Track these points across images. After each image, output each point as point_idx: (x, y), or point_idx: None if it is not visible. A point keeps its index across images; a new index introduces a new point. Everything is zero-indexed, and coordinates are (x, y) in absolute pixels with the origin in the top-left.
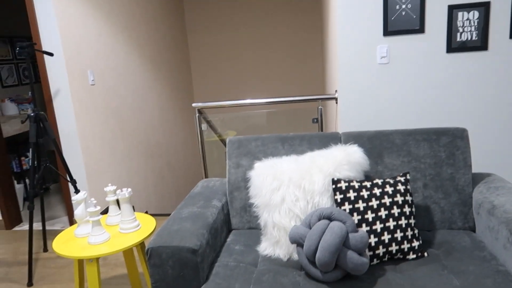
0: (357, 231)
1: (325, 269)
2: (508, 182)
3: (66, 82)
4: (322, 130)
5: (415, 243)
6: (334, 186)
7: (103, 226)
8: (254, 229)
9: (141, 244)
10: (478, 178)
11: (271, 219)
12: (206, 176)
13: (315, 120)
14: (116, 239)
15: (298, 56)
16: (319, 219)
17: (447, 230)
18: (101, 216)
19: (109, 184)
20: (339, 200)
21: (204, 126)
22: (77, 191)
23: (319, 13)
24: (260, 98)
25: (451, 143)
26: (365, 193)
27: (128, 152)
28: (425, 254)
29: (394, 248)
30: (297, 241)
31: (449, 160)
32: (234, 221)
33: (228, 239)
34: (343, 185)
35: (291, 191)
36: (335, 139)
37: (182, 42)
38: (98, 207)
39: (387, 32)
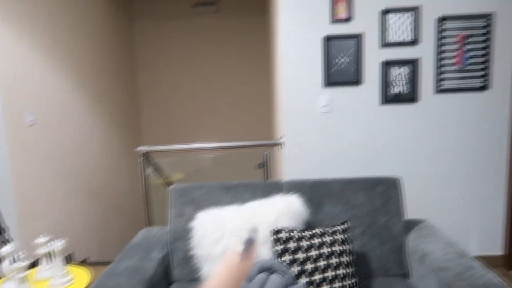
0: (296, 283)
1: None
2: (437, 230)
3: (2, 124)
4: (268, 176)
5: None
6: (274, 237)
7: (30, 282)
8: (196, 281)
9: None
10: (411, 225)
11: (212, 271)
12: (149, 224)
13: (261, 165)
14: None
15: (248, 101)
16: (260, 272)
17: (383, 278)
18: (27, 272)
19: (41, 236)
20: (279, 251)
21: (149, 170)
22: (5, 241)
23: (267, 57)
24: (208, 143)
25: (385, 192)
26: (304, 243)
27: (69, 195)
28: None
29: None
30: None
31: (384, 208)
32: (175, 272)
33: None
34: (283, 235)
35: (232, 243)
36: (277, 187)
37: (131, 81)
38: (26, 262)
39: (327, 83)
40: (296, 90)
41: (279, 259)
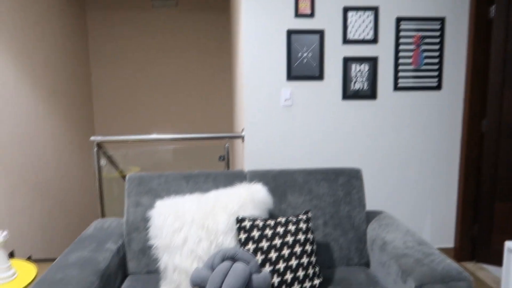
0: (260, 272)
1: None
2: (396, 219)
3: None
4: (228, 168)
5: (316, 281)
6: (238, 225)
7: None
8: (153, 273)
9: None
10: (371, 216)
11: (172, 262)
12: (103, 216)
13: (222, 158)
14: None
15: (207, 94)
16: (223, 260)
17: (345, 267)
18: None
19: None
20: (243, 240)
21: (103, 161)
22: None
23: (228, 52)
24: (167, 134)
25: (347, 182)
26: (268, 232)
27: (11, 189)
28: None
29: (296, 287)
30: (199, 285)
31: (346, 199)
32: (131, 265)
33: (123, 286)
34: (247, 224)
35: (193, 232)
36: (240, 177)
37: (84, 72)
38: None
39: (290, 76)
40: (258, 83)
41: (242, 248)
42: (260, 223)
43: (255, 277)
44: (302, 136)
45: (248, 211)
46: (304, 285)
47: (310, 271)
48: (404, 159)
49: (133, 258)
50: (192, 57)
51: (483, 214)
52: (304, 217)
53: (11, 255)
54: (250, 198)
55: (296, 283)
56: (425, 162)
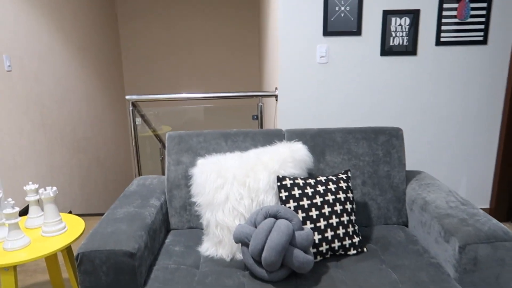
0: (302, 229)
1: (271, 268)
2: (436, 180)
3: None
4: (262, 127)
5: (356, 239)
6: (279, 184)
7: (22, 229)
8: (194, 229)
9: (68, 249)
10: (410, 176)
11: (214, 218)
12: (139, 174)
13: (255, 117)
14: (38, 244)
15: (235, 52)
16: (265, 218)
17: (383, 226)
18: (19, 218)
19: (30, 182)
20: (284, 198)
21: (138, 120)
22: None
23: (257, 8)
24: (199, 93)
25: (387, 142)
26: (309, 191)
27: (51, 146)
28: (365, 249)
29: (336, 244)
30: (242, 241)
31: (386, 158)
32: (173, 220)
33: (167, 240)
34: (288, 182)
35: (235, 189)
36: (278, 136)
37: (113, 30)
38: (16, 209)
39: (326, 32)
40: (293, 39)
41: (284, 206)
42: (300, 182)
43: (298, 234)
44: (338, 94)
45: (288, 170)
46: (344, 242)
47: (350, 229)
48: (444, 117)
49: (175, 214)
50: (220, 11)
51: None
52: (344, 176)
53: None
54: (291, 157)
55: (336, 240)
56: (465, 121)
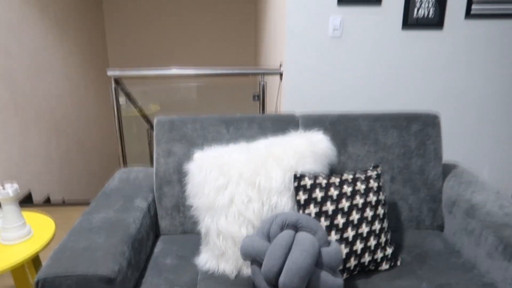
0: (328, 244)
1: None
2: (476, 176)
3: None
4: (264, 109)
5: (388, 251)
6: (296, 184)
7: None
8: (189, 234)
9: (34, 259)
10: (444, 170)
11: (215, 226)
12: (125, 161)
13: (256, 98)
14: None
15: (227, 26)
16: (282, 229)
17: (415, 231)
18: None
19: None
20: (302, 202)
21: (123, 99)
22: None
23: None
24: (191, 68)
25: (421, 131)
26: (334, 193)
27: (25, 127)
28: (398, 262)
29: (367, 259)
30: (253, 259)
31: (419, 151)
32: (163, 223)
33: (156, 250)
34: (307, 182)
35: (242, 190)
36: (291, 122)
37: (96, 3)
38: None
39: (340, 1)
40: (303, 9)
41: (302, 212)
42: (323, 181)
43: (325, 251)
44: (353, 72)
45: (307, 166)
46: (376, 256)
47: (382, 239)
48: (478, 100)
49: (166, 216)
50: None
51: None
52: (374, 173)
53: (28, 198)
54: (310, 151)
55: (366, 254)
56: (504, 104)
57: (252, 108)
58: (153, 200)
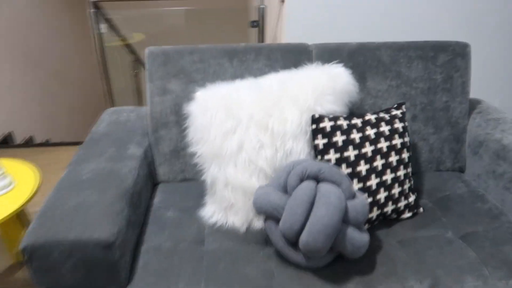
0: (354, 196)
1: (315, 255)
2: (503, 112)
3: None
4: (263, 37)
5: (411, 198)
6: (314, 126)
7: None
8: (190, 181)
9: (20, 214)
10: (469, 107)
11: (223, 175)
12: (110, 95)
13: (255, 24)
14: None
15: None
16: (301, 180)
17: (435, 172)
18: None
19: None
20: (321, 147)
21: (103, 26)
22: None
23: None
24: None
25: (450, 62)
26: (356, 136)
27: None
28: (420, 209)
29: (390, 208)
30: (270, 214)
31: (445, 85)
32: (161, 170)
33: (156, 200)
34: (327, 124)
35: (252, 135)
36: (304, 53)
37: None
38: None
39: None
40: None
41: (320, 159)
42: (344, 123)
43: (351, 205)
44: None
45: (327, 106)
46: (399, 204)
47: (407, 185)
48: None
49: (164, 162)
50: None
51: None
52: (399, 112)
53: (9, 139)
54: (330, 87)
55: (390, 203)
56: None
57: (250, 36)
58: (149, 146)
